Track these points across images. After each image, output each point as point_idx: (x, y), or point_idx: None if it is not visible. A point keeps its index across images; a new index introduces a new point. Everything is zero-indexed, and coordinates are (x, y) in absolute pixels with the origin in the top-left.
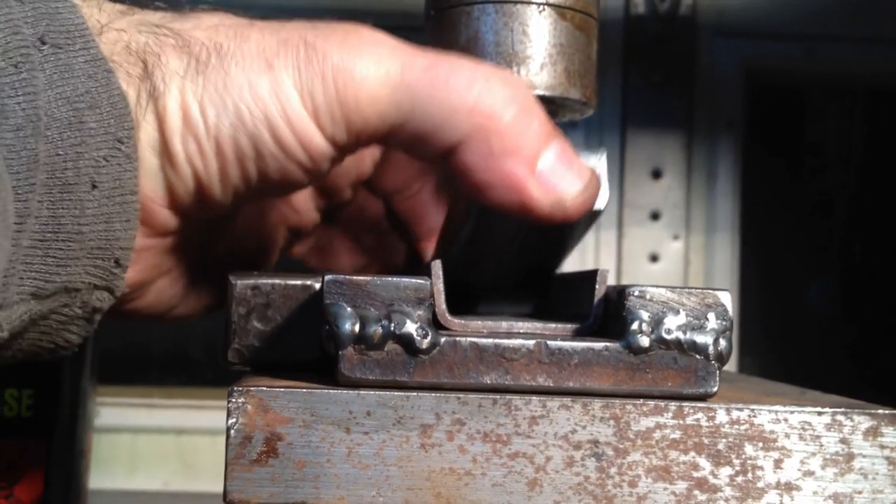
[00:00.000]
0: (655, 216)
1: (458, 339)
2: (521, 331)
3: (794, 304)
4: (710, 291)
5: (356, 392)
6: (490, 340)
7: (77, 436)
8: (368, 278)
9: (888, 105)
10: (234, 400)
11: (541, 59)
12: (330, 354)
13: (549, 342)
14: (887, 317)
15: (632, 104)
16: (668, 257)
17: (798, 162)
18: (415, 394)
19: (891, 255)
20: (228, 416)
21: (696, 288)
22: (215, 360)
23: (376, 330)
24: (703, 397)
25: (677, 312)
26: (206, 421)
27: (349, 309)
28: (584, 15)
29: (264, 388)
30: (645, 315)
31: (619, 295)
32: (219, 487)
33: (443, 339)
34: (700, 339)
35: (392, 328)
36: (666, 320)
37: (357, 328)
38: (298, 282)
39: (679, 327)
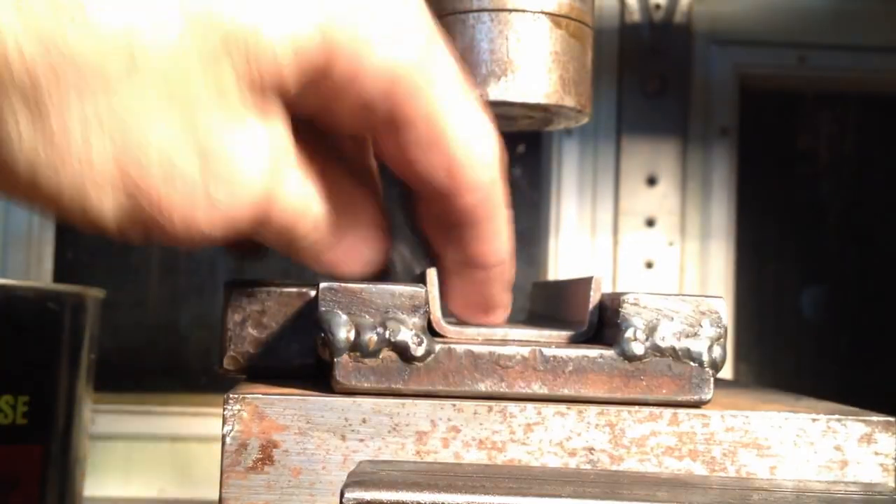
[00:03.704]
0: (650, 223)
1: (452, 346)
2: (516, 338)
3: (788, 311)
4: (705, 298)
5: (352, 399)
6: (485, 348)
7: (73, 443)
8: (363, 285)
9: (880, 113)
10: (229, 407)
11: (536, 67)
12: (325, 362)
13: (543, 349)
14: (881, 324)
15: (627, 112)
16: (663, 264)
17: (791, 169)
18: (410, 401)
19: (884, 262)
20: (224, 423)
21: (690, 295)
22: (210, 367)
23: (371, 337)
24: (697, 404)
25: (672, 319)
26: (202, 428)
27: (344, 316)
28: (578, 23)
29: (260, 396)
30: (639, 322)
31: (613, 302)
32: (214, 495)
33: (438, 347)
34: (694, 346)
35: (387, 335)
36: (660, 327)
37: (352, 335)
38: (294, 289)
39: (673, 334)
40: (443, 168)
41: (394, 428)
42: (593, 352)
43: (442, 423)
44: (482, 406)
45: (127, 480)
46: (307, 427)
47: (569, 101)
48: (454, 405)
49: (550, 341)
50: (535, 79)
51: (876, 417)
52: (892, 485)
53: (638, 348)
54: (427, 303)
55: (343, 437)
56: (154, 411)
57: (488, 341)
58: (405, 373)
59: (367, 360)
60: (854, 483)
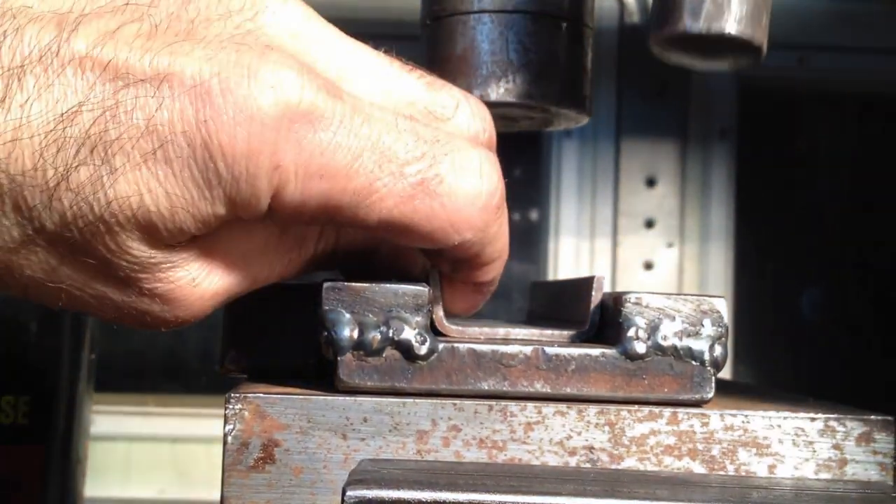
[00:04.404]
0: (650, 224)
1: (455, 345)
2: (518, 337)
3: (787, 312)
4: (706, 298)
5: (353, 399)
6: (487, 347)
7: (73, 443)
8: (366, 285)
9: (879, 114)
10: (231, 406)
11: (536, 67)
12: (328, 361)
13: (546, 348)
14: (880, 324)
15: (626, 112)
16: (663, 265)
17: (791, 170)
18: (411, 400)
19: (883, 262)
20: (225, 422)
21: (691, 294)
22: (211, 367)
23: (375, 336)
24: (698, 403)
25: (673, 319)
26: (202, 429)
27: (347, 315)
28: (578, 24)
29: (261, 395)
30: (641, 321)
31: (615, 301)
32: (214, 496)
33: (441, 346)
34: (696, 345)
35: (391, 334)
36: (662, 327)
37: (356, 334)
38: (295, 288)
39: (675, 334)
40: (424, 240)
41: (395, 427)
42: (595, 351)
43: (442, 422)
44: (483, 405)
45: (127, 481)
46: (308, 426)
47: (568, 102)
48: (455, 404)
49: (552, 340)
50: (535, 80)
51: (874, 417)
52: (891, 484)
53: (640, 347)
54: (430, 302)
55: (344, 437)
56: (154, 412)
57: (491, 340)
58: (408, 372)
59: (370, 359)
60: (853, 482)
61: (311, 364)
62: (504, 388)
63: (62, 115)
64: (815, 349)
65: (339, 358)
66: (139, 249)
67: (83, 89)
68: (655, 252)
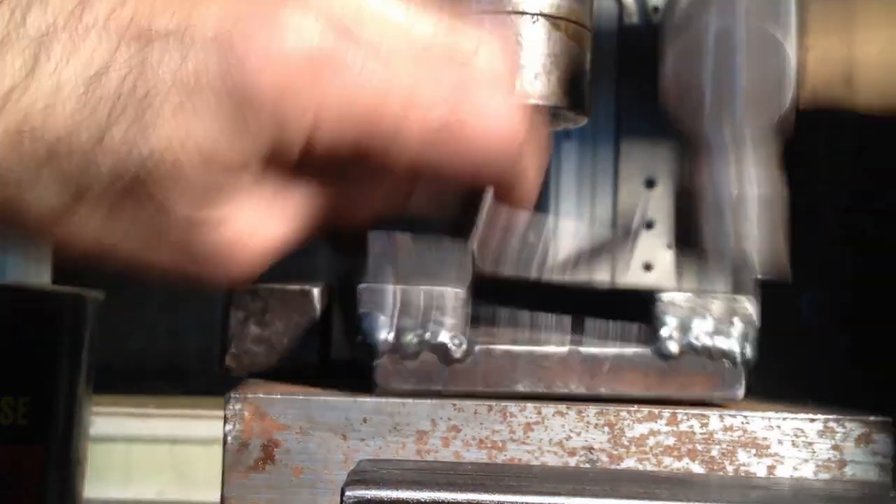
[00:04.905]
0: (649, 225)
1: (491, 346)
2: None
3: (787, 313)
4: (736, 297)
5: (353, 399)
6: (523, 348)
7: (73, 444)
8: (402, 287)
9: (877, 114)
10: (231, 406)
11: (535, 69)
12: (363, 363)
13: (581, 349)
14: (880, 326)
15: (625, 113)
16: (662, 266)
17: (789, 171)
18: (411, 400)
19: (883, 264)
20: (225, 422)
21: (721, 293)
22: (210, 369)
23: (411, 339)
24: (731, 401)
25: (704, 317)
26: (201, 430)
27: (383, 318)
28: (577, 25)
29: (261, 395)
30: (673, 321)
31: (645, 301)
32: (213, 497)
33: (476, 348)
34: (727, 344)
35: (427, 337)
36: (693, 326)
37: (392, 338)
38: (297, 287)
39: (706, 333)
40: (453, 181)
41: (394, 427)
42: (629, 350)
43: (442, 422)
44: (482, 406)
45: (126, 482)
46: (308, 426)
47: (567, 103)
48: (454, 405)
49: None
50: (535, 81)
51: (874, 418)
52: (890, 484)
53: (673, 347)
54: (465, 303)
55: (344, 437)
56: (153, 413)
57: (525, 340)
58: (444, 374)
59: (406, 363)
60: (852, 482)
61: (312, 364)
62: (539, 389)
63: (91, 77)
64: (814, 349)
65: (375, 362)
66: (181, 205)
67: (109, 51)
68: (655, 253)
